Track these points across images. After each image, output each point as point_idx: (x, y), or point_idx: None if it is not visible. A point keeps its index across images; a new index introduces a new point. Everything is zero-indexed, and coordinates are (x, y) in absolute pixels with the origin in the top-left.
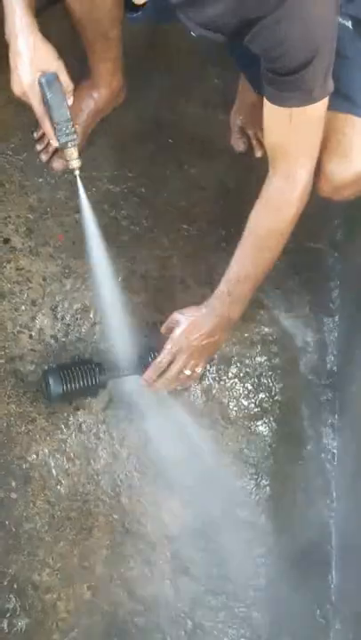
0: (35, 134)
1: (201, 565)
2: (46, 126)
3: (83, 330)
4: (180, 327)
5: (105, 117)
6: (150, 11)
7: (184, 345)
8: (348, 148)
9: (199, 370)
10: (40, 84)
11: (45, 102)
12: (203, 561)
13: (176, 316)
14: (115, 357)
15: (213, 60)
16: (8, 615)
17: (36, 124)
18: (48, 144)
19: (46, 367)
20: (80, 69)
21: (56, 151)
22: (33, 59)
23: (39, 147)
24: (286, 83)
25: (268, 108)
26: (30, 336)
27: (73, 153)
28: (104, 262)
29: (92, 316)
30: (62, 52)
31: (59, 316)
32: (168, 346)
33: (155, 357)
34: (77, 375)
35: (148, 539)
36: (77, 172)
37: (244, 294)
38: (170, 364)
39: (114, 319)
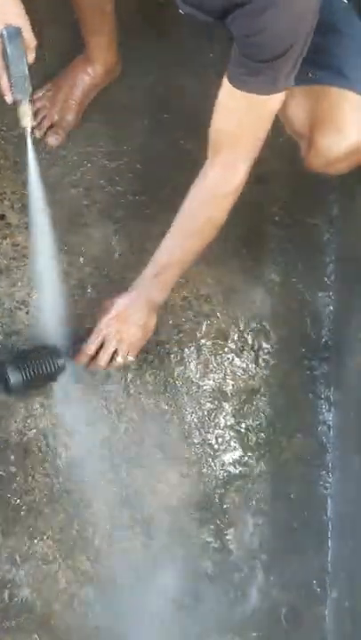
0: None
1: (199, 536)
2: (3, 81)
3: (80, 305)
4: (108, 313)
5: (100, 92)
6: None
7: (112, 330)
8: (341, 122)
9: (131, 357)
10: (2, 36)
11: (4, 56)
12: (201, 533)
13: (105, 303)
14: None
15: (210, 34)
16: (9, 586)
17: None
18: (42, 120)
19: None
20: (75, 44)
21: (50, 127)
22: None
23: (33, 123)
24: (255, 69)
25: (227, 92)
26: (27, 312)
27: (27, 111)
28: (47, 238)
29: (89, 291)
30: (57, 27)
31: (55, 292)
32: (95, 332)
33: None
34: (34, 363)
35: (147, 510)
36: (29, 131)
37: (170, 279)
38: (99, 350)
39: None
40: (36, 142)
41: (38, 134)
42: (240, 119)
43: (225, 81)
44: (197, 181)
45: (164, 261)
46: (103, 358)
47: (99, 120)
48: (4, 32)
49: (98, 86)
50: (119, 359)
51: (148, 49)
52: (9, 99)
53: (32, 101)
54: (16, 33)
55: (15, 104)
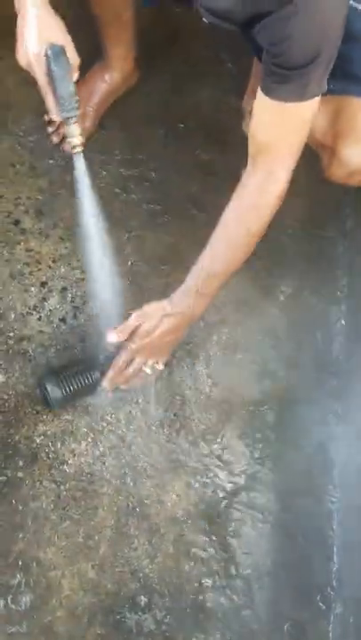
0: (46, 116)
1: (204, 547)
2: (49, 100)
3: (92, 313)
4: (144, 326)
5: (117, 100)
6: None
7: (146, 343)
8: None
9: (160, 366)
10: (46, 55)
11: (50, 75)
12: (206, 543)
13: (137, 313)
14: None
15: (227, 45)
16: (13, 591)
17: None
18: (59, 126)
19: (42, 374)
20: (93, 52)
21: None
22: (41, 30)
23: (50, 129)
24: (285, 76)
25: (262, 102)
26: (39, 317)
27: (75, 129)
28: (101, 249)
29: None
30: (76, 35)
31: (68, 299)
32: (131, 345)
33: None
34: (75, 377)
35: (153, 520)
36: (78, 150)
37: (211, 292)
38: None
39: (109, 303)
40: (52, 148)
41: (55, 140)
42: (276, 128)
43: (259, 92)
44: (237, 191)
45: (204, 274)
46: (131, 369)
47: (115, 128)
48: (49, 52)
49: (115, 94)
50: (148, 371)
51: (164, 58)
52: (56, 118)
53: (79, 120)
54: (60, 52)
55: (63, 122)
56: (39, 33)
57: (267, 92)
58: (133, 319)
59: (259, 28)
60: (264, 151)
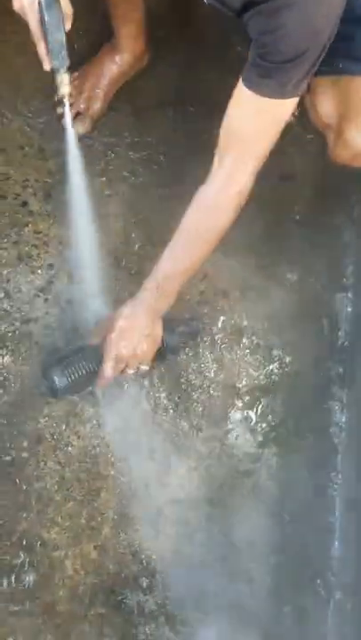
0: (55, 97)
1: (206, 530)
2: (40, 48)
3: (95, 294)
4: (112, 331)
5: (126, 82)
6: None
7: (120, 349)
8: None
9: (145, 367)
10: (39, 3)
11: (42, 23)
12: (208, 526)
13: (107, 319)
14: None
15: (237, 29)
16: (16, 570)
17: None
18: (69, 107)
19: (47, 363)
20: (103, 33)
21: (77, 114)
22: None
23: (60, 110)
24: (268, 70)
25: (240, 93)
26: (46, 300)
27: (64, 78)
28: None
29: (110, 283)
30: (86, 16)
31: (75, 281)
32: (106, 355)
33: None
34: (80, 366)
35: (155, 502)
36: (66, 99)
37: (174, 288)
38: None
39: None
40: (62, 130)
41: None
42: (249, 121)
43: (239, 82)
44: (202, 188)
45: (166, 272)
46: (117, 373)
47: (124, 110)
48: (42, 0)
49: (125, 75)
50: (129, 371)
51: (175, 41)
52: (47, 66)
53: (69, 69)
54: (53, 1)
55: (53, 72)
56: None
57: (248, 84)
58: (104, 322)
59: (252, 13)
60: (233, 145)
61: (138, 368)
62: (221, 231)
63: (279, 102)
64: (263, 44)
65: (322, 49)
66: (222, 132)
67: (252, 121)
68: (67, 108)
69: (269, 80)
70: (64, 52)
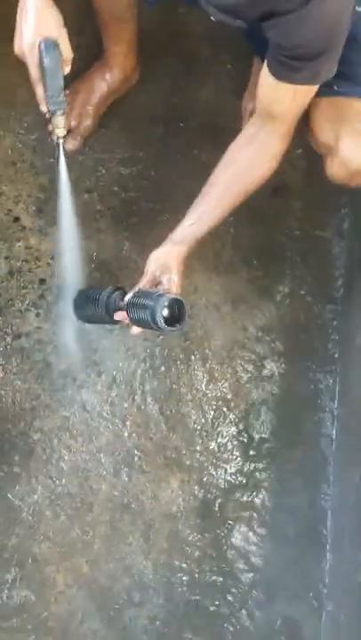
0: (49, 137)
1: (198, 544)
2: (39, 91)
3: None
4: (151, 258)
5: (117, 99)
6: None
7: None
8: None
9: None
10: (39, 48)
11: (42, 67)
12: (200, 540)
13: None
14: None
15: (227, 46)
16: (8, 586)
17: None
18: None
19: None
20: (94, 50)
21: (68, 131)
22: (37, 22)
23: (50, 127)
24: (299, 66)
25: (273, 84)
26: (37, 314)
27: (60, 121)
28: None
29: None
30: (77, 33)
31: (66, 296)
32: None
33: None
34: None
35: (147, 516)
36: (62, 141)
37: (204, 228)
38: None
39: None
40: (53, 147)
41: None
42: (288, 103)
43: (269, 76)
44: (243, 135)
45: (201, 210)
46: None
47: (115, 127)
48: (42, 45)
49: (115, 93)
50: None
51: (165, 58)
52: (44, 109)
53: (65, 113)
54: (53, 46)
55: (49, 115)
56: (35, 25)
57: (279, 78)
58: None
59: (273, 23)
60: (275, 119)
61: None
62: (258, 179)
63: (314, 87)
64: (287, 48)
65: (341, 39)
66: (260, 107)
67: (290, 103)
68: (61, 151)
69: (302, 73)
70: (62, 97)
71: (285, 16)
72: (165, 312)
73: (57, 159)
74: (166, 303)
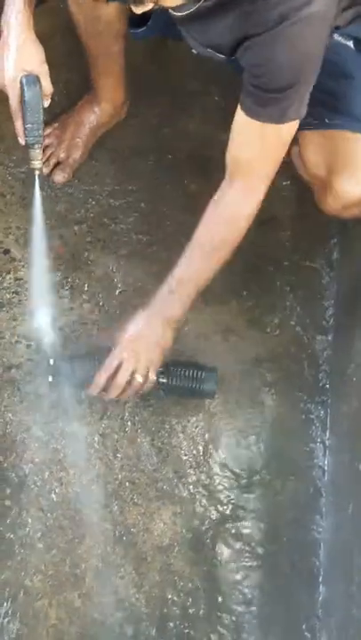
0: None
1: (191, 576)
2: (18, 123)
3: (80, 341)
4: (125, 332)
5: (107, 132)
6: (153, 27)
7: (128, 351)
8: (358, 167)
9: (152, 375)
10: (21, 83)
11: (22, 101)
12: (193, 572)
13: (120, 328)
14: None
15: (215, 78)
16: (0, 620)
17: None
18: (50, 157)
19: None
20: (83, 83)
21: (57, 164)
22: (20, 57)
23: (32, 165)
24: (265, 99)
25: (241, 122)
26: (28, 346)
27: (37, 155)
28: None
29: (89, 327)
30: (66, 67)
31: (56, 327)
32: (111, 355)
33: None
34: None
35: (139, 548)
36: (37, 173)
37: (186, 295)
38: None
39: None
40: (42, 179)
41: (45, 171)
42: (254, 146)
43: (239, 109)
44: (216, 201)
45: (179, 277)
46: (121, 378)
47: (104, 159)
48: (24, 80)
49: (104, 125)
50: (138, 378)
51: (153, 91)
52: (22, 141)
53: (42, 146)
54: (34, 81)
55: (27, 147)
56: (17, 60)
57: (246, 112)
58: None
59: (244, 48)
60: (244, 168)
61: (146, 377)
62: (233, 245)
63: (281, 126)
64: (257, 75)
65: (313, 74)
66: (228, 156)
67: (258, 146)
68: (37, 182)
69: (267, 108)
70: (40, 131)
71: (257, 37)
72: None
73: (32, 191)
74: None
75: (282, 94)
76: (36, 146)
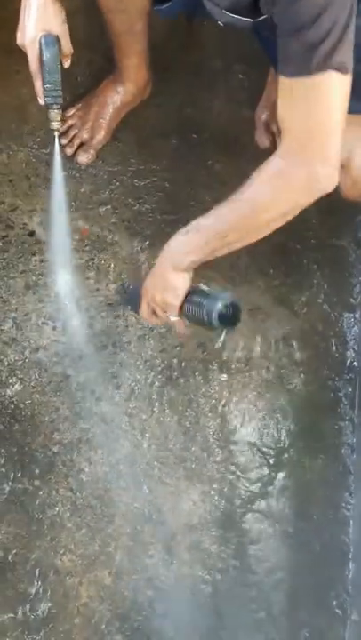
0: (60, 128)
1: (221, 555)
2: (37, 84)
3: (107, 322)
4: (144, 287)
5: (130, 112)
6: (178, 3)
7: (148, 294)
8: None
9: (173, 317)
10: (40, 42)
11: (41, 61)
12: (222, 551)
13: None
14: None
15: (239, 56)
16: (31, 599)
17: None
18: (73, 138)
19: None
20: (106, 64)
21: (81, 145)
22: (40, 17)
23: (64, 140)
24: (291, 47)
25: (281, 86)
26: (54, 327)
27: (56, 115)
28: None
29: (115, 308)
30: (90, 47)
31: (83, 309)
32: (143, 297)
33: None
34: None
35: (168, 527)
36: (57, 134)
37: (197, 241)
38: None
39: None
40: (66, 160)
41: (69, 152)
42: (301, 110)
43: (279, 78)
44: (268, 167)
45: (200, 224)
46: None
47: (128, 139)
48: (43, 39)
49: (128, 106)
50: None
51: (177, 70)
52: (41, 101)
53: (62, 107)
54: (53, 41)
55: (46, 107)
56: (37, 19)
57: (281, 72)
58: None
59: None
60: (288, 136)
61: (167, 317)
62: (270, 212)
63: (314, 81)
64: (279, 12)
65: (341, 12)
66: (285, 131)
67: (297, 110)
68: (56, 143)
69: (294, 57)
70: (59, 91)
71: None
72: (221, 311)
73: (52, 153)
74: (224, 304)
75: (303, 32)
76: (55, 106)
